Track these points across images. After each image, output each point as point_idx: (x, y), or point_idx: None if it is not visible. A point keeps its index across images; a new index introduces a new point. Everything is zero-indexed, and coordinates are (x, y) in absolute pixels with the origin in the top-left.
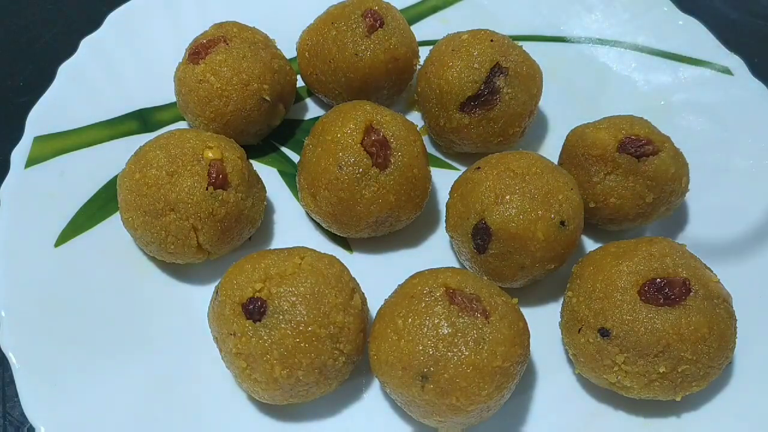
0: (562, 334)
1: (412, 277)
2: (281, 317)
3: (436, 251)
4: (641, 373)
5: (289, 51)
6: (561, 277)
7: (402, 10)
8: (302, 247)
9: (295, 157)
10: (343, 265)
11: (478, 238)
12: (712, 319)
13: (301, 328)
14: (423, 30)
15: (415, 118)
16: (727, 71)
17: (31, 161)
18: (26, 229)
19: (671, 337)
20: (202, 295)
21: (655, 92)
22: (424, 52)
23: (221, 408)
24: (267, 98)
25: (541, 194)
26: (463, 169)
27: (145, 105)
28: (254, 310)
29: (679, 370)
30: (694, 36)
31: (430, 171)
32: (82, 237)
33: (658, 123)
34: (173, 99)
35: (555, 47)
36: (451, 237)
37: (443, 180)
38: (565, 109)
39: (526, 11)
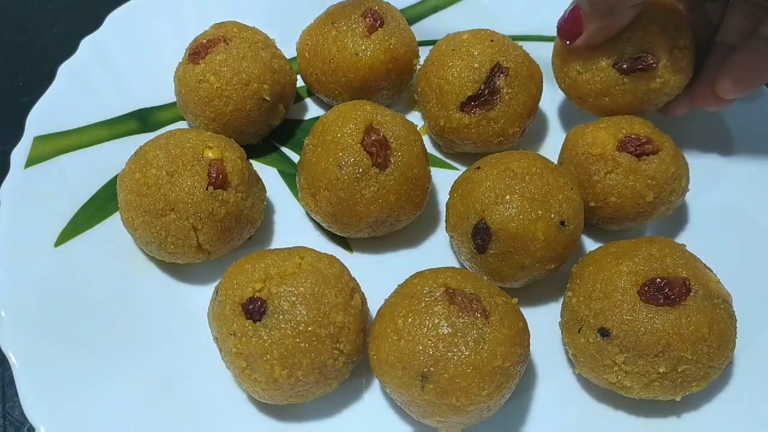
0: (562, 334)
1: (412, 277)
2: (281, 317)
3: (436, 251)
4: (641, 373)
5: (289, 51)
6: (561, 277)
7: (402, 10)
8: (302, 247)
9: (295, 157)
10: (343, 265)
11: (478, 238)
12: (712, 319)
13: (301, 328)
14: (423, 30)
15: (415, 118)
16: None
17: (31, 161)
18: (26, 229)
19: (671, 337)
20: (202, 295)
21: None
22: (424, 52)
23: (221, 408)
24: (267, 98)
25: (541, 194)
26: (463, 169)
27: (145, 105)
28: (254, 310)
29: (679, 370)
30: None
31: (430, 171)
32: (82, 237)
33: (658, 123)
34: (173, 99)
35: None
36: (451, 237)
37: (443, 180)
38: (565, 109)
39: (526, 11)
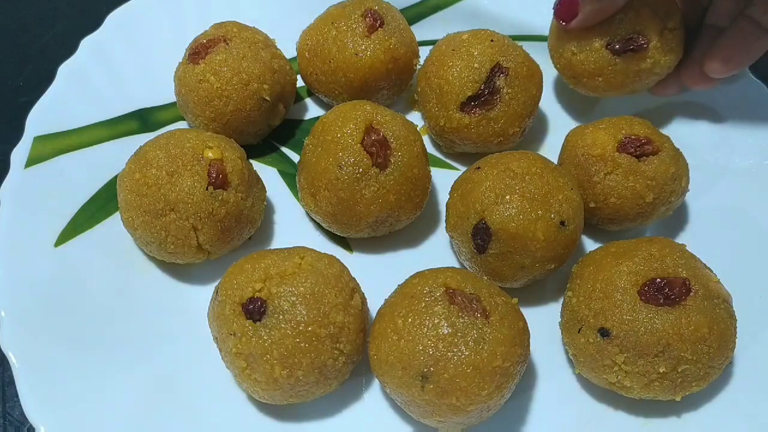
0: (562, 334)
1: (412, 277)
2: (281, 317)
3: (436, 251)
4: (641, 373)
5: (289, 51)
6: (561, 277)
7: (402, 10)
8: (302, 247)
9: (295, 157)
10: (343, 265)
11: (478, 238)
12: (712, 319)
13: (301, 328)
14: (423, 30)
15: (415, 118)
16: None
17: (31, 161)
18: (26, 229)
19: (671, 337)
20: (202, 295)
21: None
22: (424, 52)
23: (221, 408)
24: (267, 98)
25: (541, 194)
26: (463, 169)
27: (145, 105)
28: (254, 310)
29: (679, 370)
30: None
31: (430, 171)
32: (82, 237)
33: (658, 123)
34: (173, 99)
35: None
36: (451, 237)
37: (443, 180)
38: (565, 109)
39: (526, 11)
